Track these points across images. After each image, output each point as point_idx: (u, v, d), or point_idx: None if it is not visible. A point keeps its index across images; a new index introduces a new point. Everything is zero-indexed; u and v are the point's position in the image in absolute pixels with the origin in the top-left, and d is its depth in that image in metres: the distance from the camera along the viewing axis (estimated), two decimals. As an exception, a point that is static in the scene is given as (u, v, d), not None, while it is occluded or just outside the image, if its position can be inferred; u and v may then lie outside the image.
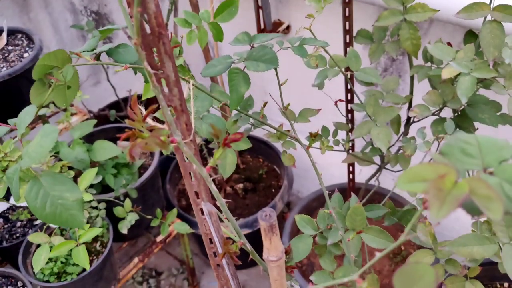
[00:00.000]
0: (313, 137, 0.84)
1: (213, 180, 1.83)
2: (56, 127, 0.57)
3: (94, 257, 1.21)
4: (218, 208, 0.58)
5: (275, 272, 0.53)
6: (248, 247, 0.56)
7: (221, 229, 0.54)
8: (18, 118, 0.61)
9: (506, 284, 1.40)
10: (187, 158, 0.58)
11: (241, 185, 1.79)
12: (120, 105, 1.88)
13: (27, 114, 0.60)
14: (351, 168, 1.47)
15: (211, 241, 0.67)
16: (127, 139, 1.36)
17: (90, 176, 0.98)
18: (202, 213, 0.66)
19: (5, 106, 1.39)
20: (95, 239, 1.27)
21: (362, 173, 1.69)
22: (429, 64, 0.96)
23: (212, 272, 1.92)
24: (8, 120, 0.67)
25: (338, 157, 1.24)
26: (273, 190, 1.77)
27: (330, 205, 0.78)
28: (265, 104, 0.84)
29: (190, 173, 0.59)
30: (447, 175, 0.29)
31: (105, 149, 1.22)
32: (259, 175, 1.83)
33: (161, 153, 1.88)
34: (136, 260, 1.41)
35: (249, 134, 1.77)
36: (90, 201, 1.17)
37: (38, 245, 1.19)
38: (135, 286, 1.85)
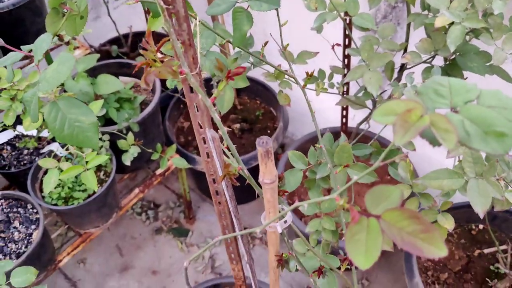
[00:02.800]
0: (309, 76, 0.89)
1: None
2: (72, 55, 0.62)
3: (99, 185, 1.29)
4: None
5: (269, 194, 0.60)
6: (246, 172, 0.63)
7: (223, 154, 0.60)
8: (34, 45, 0.65)
9: (480, 226, 1.51)
10: (191, 91, 0.63)
11: (237, 125, 1.85)
12: (120, 40, 1.89)
13: (43, 41, 0.64)
14: (344, 112, 1.53)
15: (211, 171, 0.74)
16: (129, 75, 1.41)
17: (96, 107, 1.04)
18: (204, 142, 0.72)
19: (9, 36, 1.41)
20: (99, 169, 1.34)
21: (355, 119, 1.75)
22: (426, 12, 0.99)
23: (207, 206, 2.03)
24: (22, 47, 0.71)
25: (333, 101, 1.29)
26: (269, 131, 1.83)
27: (321, 142, 0.84)
28: (266, 43, 0.88)
29: (194, 104, 0.65)
30: (414, 110, 0.34)
31: (108, 83, 1.26)
32: (256, 116, 1.89)
33: (161, 91, 1.93)
34: (136, 190, 1.49)
35: (247, 75, 1.80)
36: (98, 135, 1.22)
37: (45, 172, 1.26)
38: (134, 217, 1.95)
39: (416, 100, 0.38)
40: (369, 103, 1.20)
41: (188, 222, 1.91)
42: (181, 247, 1.84)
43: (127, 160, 1.24)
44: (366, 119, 1.27)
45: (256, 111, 1.91)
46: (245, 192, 1.78)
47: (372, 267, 1.73)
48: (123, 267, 1.80)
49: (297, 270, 0.89)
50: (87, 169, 0.99)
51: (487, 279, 1.38)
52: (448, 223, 0.77)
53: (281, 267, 0.69)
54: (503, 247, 1.41)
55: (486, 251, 1.45)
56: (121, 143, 1.23)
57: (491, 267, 1.41)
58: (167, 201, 2.00)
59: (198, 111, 0.67)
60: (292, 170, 0.85)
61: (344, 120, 1.55)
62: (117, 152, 1.34)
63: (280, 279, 1.73)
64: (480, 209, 0.60)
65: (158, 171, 1.53)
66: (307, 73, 0.89)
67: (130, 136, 1.25)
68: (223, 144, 0.64)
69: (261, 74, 1.04)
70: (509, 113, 0.35)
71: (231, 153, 0.63)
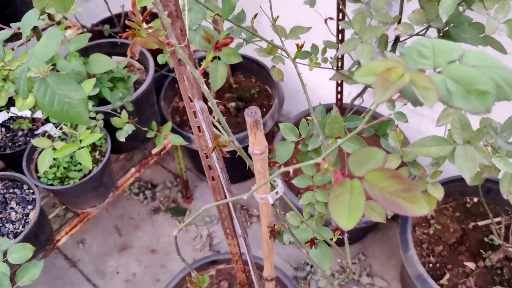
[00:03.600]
0: (299, 48, 0.88)
1: (206, 98, 1.88)
2: (60, 30, 0.61)
3: (94, 165, 1.30)
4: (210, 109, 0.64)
5: (259, 165, 0.60)
6: (236, 144, 0.63)
7: (212, 126, 0.61)
8: (22, 22, 0.64)
9: (475, 199, 1.52)
10: (180, 64, 0.63)
11: (233, 104, 1.85)
12: (113, 20, 1.87)
13: (30, 17, 0.63)
14: (339, 89, 1.53)
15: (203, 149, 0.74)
16: (123, 55, 1.40)
17: (89, 85, 1.03)
18: (195, 116, 0.73)
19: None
20: (94, 149, 1.34)
21: (351, 95, 1.74)
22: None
23: (205, 186, 2.03)
24: (11, 24, 0.71)
25: (328, 78, 1.28)
26: (264, 109, 1.83)
27: (313, 114, 0.84)
28: (255, 16, 0.87)
29: (184, 77, 0.64)
30: (394, 69, 0.34)
31: (100, 62, 1.25)
32: (251, 95, 1.89)
33: (155, 70, 1.92)
34: (133, 170, 1.50)
35: (243, 54, 1.79)
36: (88, 112, 1.22)
37: (41, 152, 1.27)
38: (132, 197, 1.97)
39: (397, 60, 0.37)
40: (363, 77, 1.20)
41: (186, 201, 1.93)
42: (179, 226, 1.86)
43: (121, 136, 1.24)
44: (360, 94, 1.27)
45: (251, 90, 1.90)
46: (241, 171, 1.79)
47: (368, 242, 1.74)
48: (122, 247, 1.82)
49: (290, 242, 0.90)
50: (81, 148, 0.99)
51: (481, 250, 1.40)
52: (438, 192, 0.77)
53: (273, 238, 0.70)
54: (497, 219, 1.43)
55: (480, 223, 1.46)
56: (115, 121, 1.22)
57: (485, 239, 1.43)
58: (164, 181, 2.01)
59: (188, 84, 0.67)
60: (284, 142, 0.85)
61: (339, 96, 1.54)
62: (112, 132, 1.34)
63: (277, 255, 1.75)
64: (468, 175, 0.60)
65: (154, 151, 1.53)
66: (297, 45, 0.89)
67: (124, 114, 1.25)
68: (214, 118, 0.64)
69: (254, 50, 1.04)
70: (492, 71, 0.35)
71: (222, 126, 0.63)
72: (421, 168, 0.77)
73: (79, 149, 0.99)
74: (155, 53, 1.45)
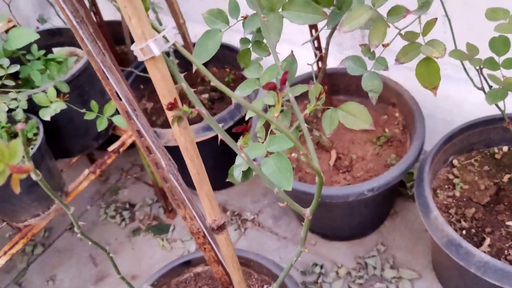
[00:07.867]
0: None
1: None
2: None
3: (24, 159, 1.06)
4: None
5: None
6: None
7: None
8: None
9: (504, 148, 1.23)
10: None
11: (206, 95, 1.63)
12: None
13: None
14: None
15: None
16: (63, 45, 1.11)
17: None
18: (120, 98, 0.50)
19: None
20: (28, 144, 1.11)
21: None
22: None
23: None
24: None
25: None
26: (242, 96, 1.60)
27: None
28: None
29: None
30: None
31: (22, 36, 1.05)
32: (226, 83, 1.67)
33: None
34: (86, 171, 1.25)
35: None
36: (6, 92, 1.01)
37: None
38: (108, 221, 1.71)
39: None
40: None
41: (169, 216, 1.66)
42: (162, 244, 1.58)
43: (46, 115, 1.01)
44: None
45: (226, 78, 1.68)
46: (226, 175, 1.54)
47: (386, 230, 1.41)
48: (98, 278, 1.54)
49: (245, 179, 0.64)
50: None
51: (525, 204, 1.10)
52: (438, 49, 0.52)
53: (177, 120, 0.44)
54: (538, 164, 1.13)
55: (517, 174, 1.16)
56: (39, 97, 1.00)
57: (528, 191, 1.13)
58: (143, 199, 1.76)
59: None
60: (209, 32, 0.61)
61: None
62: (49, 127, 1.13)
63: (279, 261, 1.44)
64: None
65: (111, 148, 1.30)
66: None
67: (52, 90, 1.03)
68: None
69: None
70: None
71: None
72: (402, 10, 0.52)
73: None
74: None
